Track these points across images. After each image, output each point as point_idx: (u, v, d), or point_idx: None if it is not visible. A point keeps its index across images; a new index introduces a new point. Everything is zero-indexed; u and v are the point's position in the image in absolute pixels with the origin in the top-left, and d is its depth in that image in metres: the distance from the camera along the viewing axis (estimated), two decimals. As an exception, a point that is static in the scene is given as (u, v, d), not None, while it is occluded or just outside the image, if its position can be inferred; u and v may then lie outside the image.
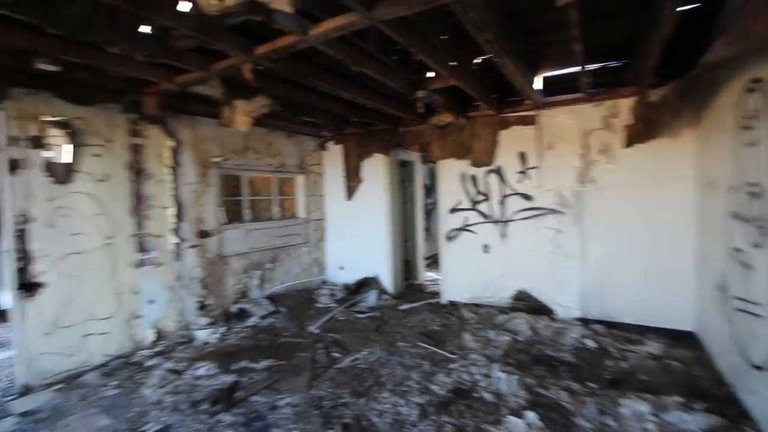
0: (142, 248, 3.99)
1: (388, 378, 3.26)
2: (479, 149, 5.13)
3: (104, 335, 3.66)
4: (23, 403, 3.02)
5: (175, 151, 4.32)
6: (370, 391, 3.04)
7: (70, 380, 3.34)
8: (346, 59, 2.90)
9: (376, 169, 6.02)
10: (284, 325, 4.68)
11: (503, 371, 3.17)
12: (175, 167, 4.32)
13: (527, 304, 4.76)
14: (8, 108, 3.11)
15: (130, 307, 3.87)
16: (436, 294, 5.72)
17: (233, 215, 5.18)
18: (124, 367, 3.58)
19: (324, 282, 6.46)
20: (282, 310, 5.06)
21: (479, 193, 5.16)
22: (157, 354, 3.82)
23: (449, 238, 5.38)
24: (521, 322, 4.26)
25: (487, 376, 3.17)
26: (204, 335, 4.20)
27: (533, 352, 3.67)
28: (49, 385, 3.26)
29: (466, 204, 5.25)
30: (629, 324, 4.17)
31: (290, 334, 4.41)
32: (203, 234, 4.61)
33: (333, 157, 6.48)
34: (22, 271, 3.18)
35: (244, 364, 3.54)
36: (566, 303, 4.54)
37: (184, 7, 2.23)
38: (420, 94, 3.94)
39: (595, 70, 3.80)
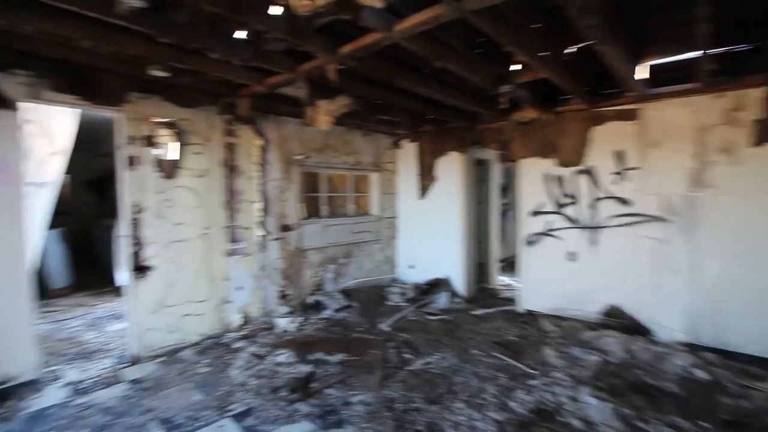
0: (233, 239, 4.32)
1: (461, 387, 3.13)
2: (567, 147, 4.70)
3: (199, 316, 4.04)
4: (133, 371, 3.44)
5: (263, 150, 4.61)
6: (443, 399, 2.94)
7: (171, 354, 3.73)
8: (429, 54, 2.80)
9: (450, 168, 5.85)
10: (356, 320, 4.75)
11: (593, 396, 2.85)
12: (263, 164, 4.60)
13: (620, 321, 4.25)
14: (127, 111, 3.54)
15: (221, 292, 4.22)
16: (511, 301, 5.40)
17: (312, 211, 5.40)
18: (215, 347, 3.92)
19: (394, 280, 6.46)
20: (354, 305, 5.16)
21: (565, 195, 4.74)
22: (243, 337, 4.12)
23: (529, 243, 5.02)
24: (612, 342, 3.82)
25: (574, 399, 2.88)
26: (283, 323, 4.44)
27: (628, 377, 3.25)
28: (153, 358, 3.68)
29: (550, 207, 4.85)
30: (752, 356, 3.51)
31: (362, 329, 4.47)
32: (285, 228, 4.87)
33: (407, 155, 6.43)
34: (136, 255, 3.62)
35: (319, 355, 3.66)
36: (669, 324, 3.96)
37: (275, 10, 2.32)
38: (504, 88, 3.70)
39: (716, 55, 3.22)
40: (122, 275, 5.96)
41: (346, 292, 5.42)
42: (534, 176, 4.96)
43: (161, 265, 3.75)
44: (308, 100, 3.35)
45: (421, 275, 6.19)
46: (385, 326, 4.54)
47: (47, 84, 3.00)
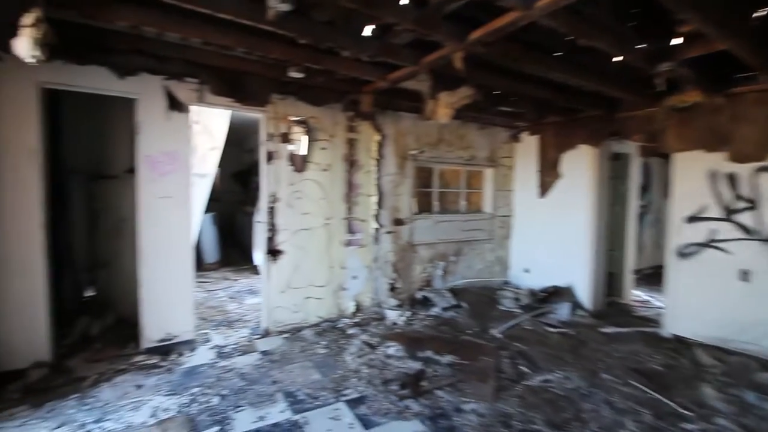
0: (350, 230, 4.54)
1: (592, 416, 2.72)
2: (745, 138, 3.74)
3: (319, 300, 4.35)
4: (263, 343, 3.86)
5: (380, 145, 4.72)
6: (569, 426, 2.60)
7: (294, 332, 4.10)
8: (571, 32, 2.46)
9: (579, 163, 5.19)
10: (466, 321, 4.57)
11: (785, 460, 2.20)
12: (379, 159, 4.72)
13: (822, 366, 3.23)
14: (268, 110, 3.95)
15: (338, 279, 4.48)
16: (651, 321, 4.58)
17: (423, 206, 5.36)
18: (331, 331, 4.17)
19: (506, 283, 6.07)
20: (463, 306, 4.97)
21: (739, 198, 3.79)
22: (356, 324, 4.30)
23: (683, 255, 4.16)
24: (810, 392, 2.91)
25: (754, 458, 2.26)
26: (393, 316, 4.51)
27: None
28: (280, 333, 4.08)
29: (716, 212, 3.94)
30: None
31: (472, 332, 4.27)
32: (398, 222, 4.93)
33: (526, 149, 5.93)
34: (270, 240, 4.05)
35: (429, 353, 3.60)
36: None
37: (405, 0, 2.28)
38: (663, 67, 3.08)
39: None
40: (258, 256, 6.84)
41: (455, 291, 5.26)
42: (694, 173, 4.07)
43: (290, 250, 4.13)
44: (430, 93, 3.28)
45: (537, 281, 5.67)
46: (497, 332, 4.26)
47: (209, 89, 3.53)
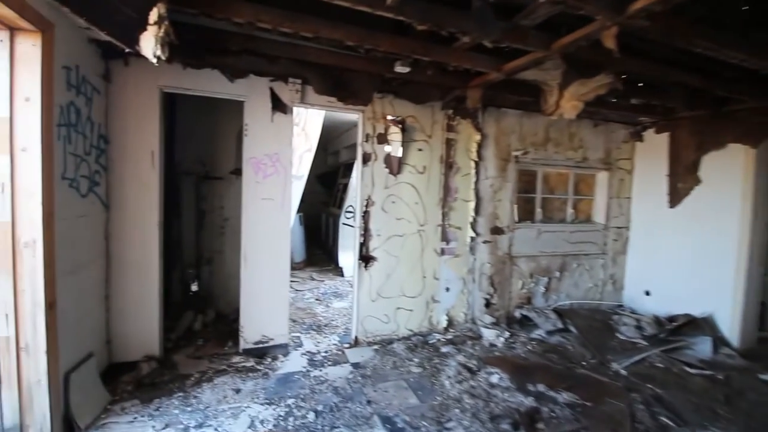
0: (445, 238, 4.18)
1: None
2: None
3: (409, 311, 4.06)
4: (354, 353, 3.68)
5: (480, 145, 4.29)
6: None
7: (384, 344, 3.86)
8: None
9: (727, 167, 4.22)
10: (577, 350, 3.94)
11: None
12: (478, 161, 4.29)
13: None
14: (366, 110, 3.76)
15: (430, 290, 4.15)
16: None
17: (524, 214, 4.80)
18: (423, 346, 3.85)
19: (620, 306, 5.22)
20: (572, 330, 4.32)
21: None
22: (449, 342, 3.93)
23: None
24: None
25: None
26: (490, 335, 4.05)
27: None
28: (370, 344, 3.87)
29: None
30: None
31: (588, 365, 3.65)
32: (496, 230, 4.45)
33: (651, 149, 5.04)
34: (362, 246, 3.86)
35: (540, 387, 3.09)
36: None
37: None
38: None
39: None
40: (343, 258, 6.82)
41: (560, 313, 4.61)
42: None
43: (382, 257, 3.90)
44: (560, 83, 2.78)
45: (660, 306, 4.77)
46: (620, 367, 3.58)
47: (313, 88, 3.43)
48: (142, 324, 3.16)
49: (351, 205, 6.76)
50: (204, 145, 4.41)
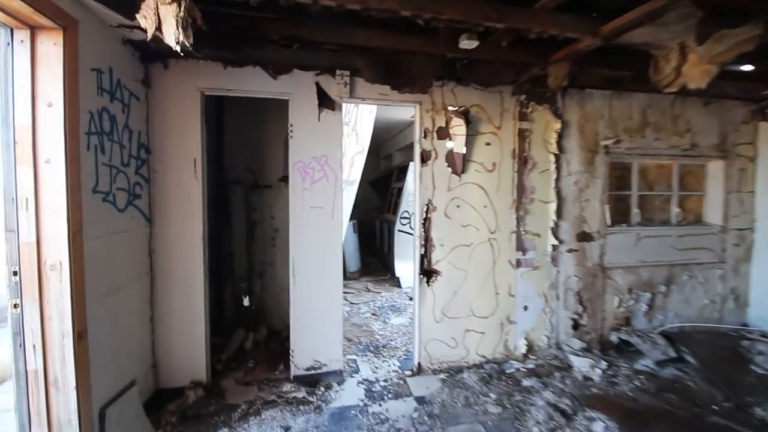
0: (520, 247, 3.54)
1: None
2: None
3: (480, 334, 3.47)
4: (417, 384, 3.17)
5: (560, 135, 3.60)
6: None
7: (452, 373, 3.31)
8: None
9: None
10: (702, 388, 3.09)
11: None
12: (559, 154, 3.60)
13: None
14: (424, 101, 3.27)
15: (505, 309, 3.52)
16: None
17: (617, 215, 3.99)
18: (499, 377, 3.24)
19: (745, 325, 4.17)
20: (689, 361, 3.45)
21: None
22: (531, 373, 3.28)
23: None
24: None
25: None
26: (582, 365, 3.33)
27: None
28: (435, 372, 3.34)
29: None
30: None
31: (720, 409, 2.80)
32: (584, 237, 3.71)
33: (786, 130, 3.98)
34: (423, 258, 3.35)
35: (666, 445, 2.36)
36: None
37: None
38: None
39: None
40: (399, 267, 6.35)
41: (670, 337, 3.72)
42: None
43: (446, 271, 3.37)
44: (692, 40, 2.07)
45: (812, 330, 3.69)
46: (767, 414, 2.70)
47: (364, 76, 3.00)
48: (189, 346, 2.92)
49: (406, 211, 6.29)
50: (252, 152, 4.19)
